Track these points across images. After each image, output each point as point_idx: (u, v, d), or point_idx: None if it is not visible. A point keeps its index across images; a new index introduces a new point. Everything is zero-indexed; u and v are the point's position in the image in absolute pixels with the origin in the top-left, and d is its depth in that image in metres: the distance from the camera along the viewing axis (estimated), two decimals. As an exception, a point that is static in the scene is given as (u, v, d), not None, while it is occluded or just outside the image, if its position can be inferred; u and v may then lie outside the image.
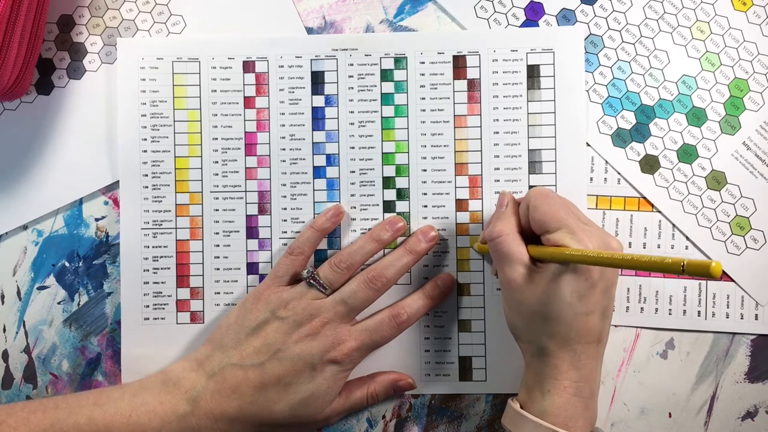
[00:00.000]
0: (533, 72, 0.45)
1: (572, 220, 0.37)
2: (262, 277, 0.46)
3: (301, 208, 0.46)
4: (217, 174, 0.46)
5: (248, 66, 0.46)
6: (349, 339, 0.41)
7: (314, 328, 0.41)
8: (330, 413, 0.42)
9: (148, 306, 0.46)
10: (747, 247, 0.45)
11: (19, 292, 0.46)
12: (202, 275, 0.46)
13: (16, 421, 0.38)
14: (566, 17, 0.46)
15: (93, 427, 0.39)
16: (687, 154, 0.46)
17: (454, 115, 0.46)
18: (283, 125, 0.46)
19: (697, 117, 0.46)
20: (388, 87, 0.46)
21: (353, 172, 0.46)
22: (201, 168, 0.46)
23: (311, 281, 0.42)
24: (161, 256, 0.46)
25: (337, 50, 0.46)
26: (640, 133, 0.46)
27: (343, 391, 0.43)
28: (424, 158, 0.46)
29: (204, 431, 0.40)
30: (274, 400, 0.40)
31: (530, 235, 0.40)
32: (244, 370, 0.41)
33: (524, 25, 0.46)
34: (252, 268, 0.46)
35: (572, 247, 0.36)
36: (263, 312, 0.42)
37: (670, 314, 0.45)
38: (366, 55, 0.46)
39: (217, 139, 0.46)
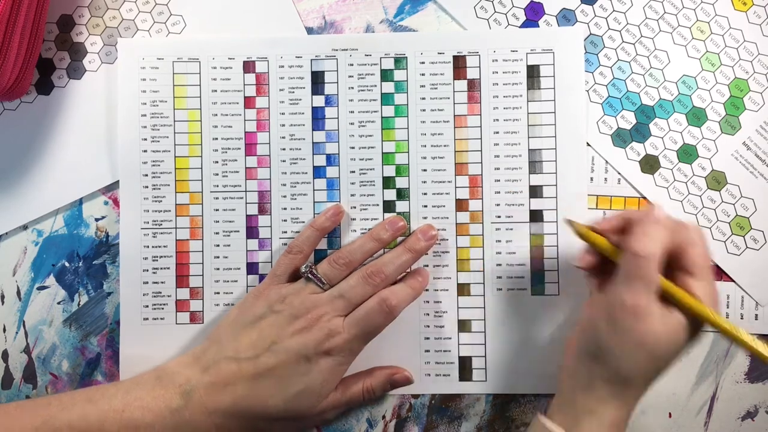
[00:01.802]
0: (533, 72, 0.45)
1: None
2: (262, 277, 0.46)
3: (301, 208, 0.46)
4: (217, 174, 0.46)
5: (248, 66, 0.46)
6: (342, 331, 0.41)
7: (309, 320, 0.41)
8: (326, 407, 0.42)
9: (147, 306, 0.46)
10: (747, 247, 0.45)
11: (19, 292, 0.46)
12: (202, 275, 0.46)
13: (8, 420, 0.38)
14: (566, 17, 0.46)
15: (85, 424, 0.39)
16: (687, 154, 0.46)
17: (454, 115, 0.46)
18: (283, 125, 0.46)
19: (697, 117, 0.46)
20: (388, 87, 0.46)
21: (353, 172, 0.46)
22: (201, 168, 0.46)
23: (309, 275, 0.42)
24: (161, 256, 0.46)
25: (337, 50, 0.46)
26: (640, 133, 0.46)
27: (339, 385, 0.43)
28: (424, 158, 0.46)
29: (198, 425, 0.40)
30: (268, 393, 0.40)
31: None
32: (239, 362, 0.40)
33: (524, 25, 0.46)
34: (252, 268, 0.46)
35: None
36: (261, 307, 0.42)
37: (670, 314, 0.45)
38: (366, 55, 0.46)
39: (217, 139, 0.46)
